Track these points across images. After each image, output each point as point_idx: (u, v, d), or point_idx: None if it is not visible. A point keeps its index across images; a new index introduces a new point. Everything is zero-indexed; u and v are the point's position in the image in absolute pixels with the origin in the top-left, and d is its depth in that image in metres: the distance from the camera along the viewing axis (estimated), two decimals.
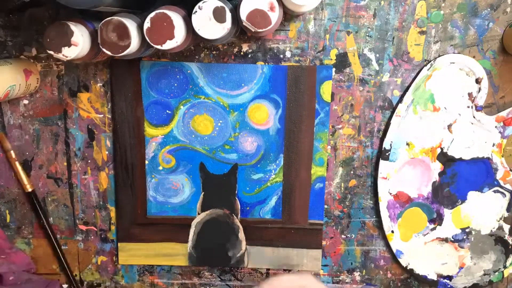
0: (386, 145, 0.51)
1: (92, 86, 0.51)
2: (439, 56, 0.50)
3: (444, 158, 0.52)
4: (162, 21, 0.38)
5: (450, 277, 0.55)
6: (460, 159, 0.52)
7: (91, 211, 0.55)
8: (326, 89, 0.51)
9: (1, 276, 0.48)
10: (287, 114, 0.51)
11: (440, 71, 0.49)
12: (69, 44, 0.39)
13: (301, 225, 0.54)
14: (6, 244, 0.52)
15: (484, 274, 0.54)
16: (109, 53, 0.39)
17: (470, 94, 0.50)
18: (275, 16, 0.39)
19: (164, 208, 0.54)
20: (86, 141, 0.53)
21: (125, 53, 0.39)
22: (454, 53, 0.50)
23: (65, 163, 0.53)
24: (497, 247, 0.54)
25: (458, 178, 0.52)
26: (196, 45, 0.50)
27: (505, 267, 0.54)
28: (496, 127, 0.51)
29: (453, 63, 0.49)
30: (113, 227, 0.55)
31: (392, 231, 0.54)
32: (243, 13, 0.39)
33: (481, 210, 0.53)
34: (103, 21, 0.39)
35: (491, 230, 0.54)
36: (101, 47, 0.39)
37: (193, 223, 0.54)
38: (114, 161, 0.53)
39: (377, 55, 0.50)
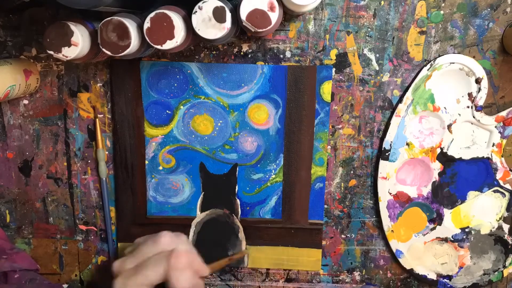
0: (386, 145, 0.51)
1: (92, 86, 0.51)
2: (439, 56, 0.50)
3: (444, 158, 0.52)
4: (162, 21, 0.38)
5: (450, 277, 0.55)
6: (460, 159, 0.52)
7: (91, 211, 0.55)
8: (326, 89, 0.51)
9: (6, 274, 0.48)
10: (287, 114, 0.51)
11: (440, 71, 0.49)
12: (69, 44, 0.39)
13: (301, 225, 0.54)
14: (7, 244, 0.52)
15: (484, 274, 0.54)
16: (109, 53, 0.39)
17: (470, 94, 0.50)
18: (275, 16, 0.39)
19: (164, 208, 0.54)
20: (86, 141, 0.53)
21: (125, 53, 0.39)
22: (454, 53, 0.50)
23: (65, 163, 0.53)
24: (497, 246, 0.54)
25: (458, 178, 0.52)
26: (196, 45, 0.50)
27: (504, 266, 0.54)
28: (496, 127, 0.51)
29: (453, 63, 0.49)
30: (113, 227, 0.55)
31: (392, 231, 0.54)
32: (243, 13, 0.39)
33: (480, 210, 0.53)
34: (103, 21, 0.39)
35: (491, 230, 0.54)
36: (101, 47, 0.39)
37: (193, 223, 0.54)
38: (114, 161, 0.53)
39: (377, 55, 0.50)
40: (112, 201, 0.54)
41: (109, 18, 0.39)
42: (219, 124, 0.52)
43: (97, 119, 0.52)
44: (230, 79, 0.51)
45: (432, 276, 0.55)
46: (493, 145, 0.51)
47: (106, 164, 0.52)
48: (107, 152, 0.53)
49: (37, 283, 0.50)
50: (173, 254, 0.43)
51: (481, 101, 0.50)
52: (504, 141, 0.51)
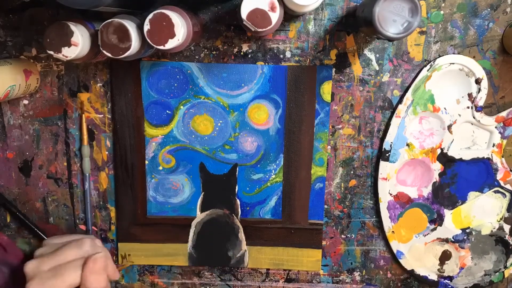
0: (386, 146, 0.51)
1: (92, 86, 0.51)
2: (439, 56, 0.50)
3: (444, 158, 0.52)
4: (161, 21, 0.38)
5: (451, 278, 0.55)
6: (460, 160, 0.52)
7: (91, 211, 0.55)
8: (326, 89, 0.51)
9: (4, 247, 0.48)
10: (287, 114, 0.51)
11: (439, 71, 0.49)
12: (69, 44, 0.39)
13: (301, 225, 0.54)
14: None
15: (485, 275, 0.54)
16: (109, 55, 0.39)
17: (470, 95, 0.50)
18: (275, 16, 0.39)
19: (164, 208, 0.54)
20: None
21: (125, 55, 0.39)
22: (454, 53, 0.50)
23: (65, 163, 0.53)
24: (498, 247, 0.54)
25: (458, 178, 0.52)
26: (196, 45, 0.50)
27: (505, 267, 0.54)
28: (496, 127, 0.51)
29: (453, 63, 0.49)
30: (113, 227, 0.55)
31: (393, 232, 0.53)
32: (244, 12, 0.39)
33: (481, 211, 0.53)
34: (103, 23, 0.38)
35: (492, 231, 0.54)
36: (101, 49, 0.39)
37: (193, 223, 0.54)
38: (114, 161, 0.53)
39: (377, 55, 0.50)
40: (112, 201, 0.54)
41: (109, 20, 0.38)
42: (219, 124, 0.52)
43: (83, 115, 0.51)
44: (230, 79, 0.51)
45: (433, 277, 0.55)
46: (494, 145, 0.51)
47: (90, 161, 0.53)
48: (107, 152, 0.53)
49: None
50: (91, 259, 0.44)
51: (481, 102, 0.50)
52: (505, 141, 0.51)
